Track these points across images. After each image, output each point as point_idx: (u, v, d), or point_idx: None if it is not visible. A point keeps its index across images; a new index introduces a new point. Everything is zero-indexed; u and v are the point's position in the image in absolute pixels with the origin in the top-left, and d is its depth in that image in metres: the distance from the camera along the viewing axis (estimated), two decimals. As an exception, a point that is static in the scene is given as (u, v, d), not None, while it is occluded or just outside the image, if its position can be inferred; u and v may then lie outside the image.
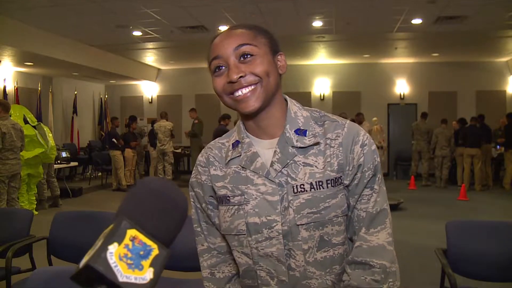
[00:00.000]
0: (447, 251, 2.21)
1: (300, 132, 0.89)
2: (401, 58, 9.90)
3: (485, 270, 2.15)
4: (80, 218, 2.67)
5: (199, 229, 1.00)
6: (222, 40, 0.88)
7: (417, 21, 6.43)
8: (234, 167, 0.92)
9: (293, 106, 0.93)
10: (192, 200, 1.00)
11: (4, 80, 8.30)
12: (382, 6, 5.71)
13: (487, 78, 9.79)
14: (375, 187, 0.88)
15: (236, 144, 0.94)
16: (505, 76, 9.83)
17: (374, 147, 0.89)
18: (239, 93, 0.86)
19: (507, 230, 2.24)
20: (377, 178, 0.88)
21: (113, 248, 0.43)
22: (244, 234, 0.88)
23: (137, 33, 7.15)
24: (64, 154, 7.46)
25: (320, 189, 0.85)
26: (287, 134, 0.88)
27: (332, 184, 0.86)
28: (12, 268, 2.37)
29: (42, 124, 6.12)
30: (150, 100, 11.60)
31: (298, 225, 0.85)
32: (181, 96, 11.29)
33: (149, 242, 0.45)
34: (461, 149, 8.06)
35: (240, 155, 0.92)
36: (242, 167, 0.91)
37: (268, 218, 0.86)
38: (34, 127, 5.83)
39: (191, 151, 8.96)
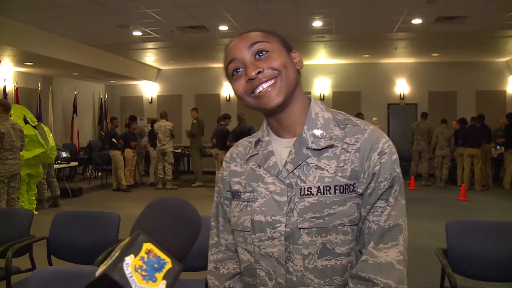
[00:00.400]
0: (447, 251, 2.22)
1: (317, 133, 0.88)
2: (401, 58, 9.90)
3: (485, 270, 2.15)
4: (80, 218, 2.67)
5: (214, 223, 1.02)
6: (235, 44, 0.89)
7: (417, 21, 6.43)
8: (251, 164, 0.94)
9: (316, 107, 0.92)
10: (215, 195, 1.02)
11: (4, 80, 8.31)
12: (382, 6, 5.71)
13: (487, 78, 9.79)
14: (390, 200, 0.83)
15: (257, 142, 0.96)
16: (505, 76, 9.83)
17: (395, 156, 0.85)
18: (260, 88, 0.85)
19: (507, 230, 2.24)
20: (393, 191, 0.83)
21: (129, 260, 0.45)
22: (249, 231, 0.88)
23: (137, 33, 7.15)
24: (64, 154, 7.47)
25: (326, 194, 0.83)
26: (304, 135, 0.88)
27: (341, 191, 0.83)
28: (12, 268, 2.37)
29: (42, 124, 6.12)
30: (150, 100, 11.61)
31: (299, 228, 0.83)
32: (181, 96, 11.29)
33: (163, 256, 0.48)
34: (461, 149, 8.06)
35: (258, 153, 0.93)
36: (258, 165, 0.92)
37: (273, 218, 0.85)
38: (34, 127, 5.83)
39: (191, 151, 8.96)
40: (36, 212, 5.51)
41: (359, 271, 0.81)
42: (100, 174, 9.66)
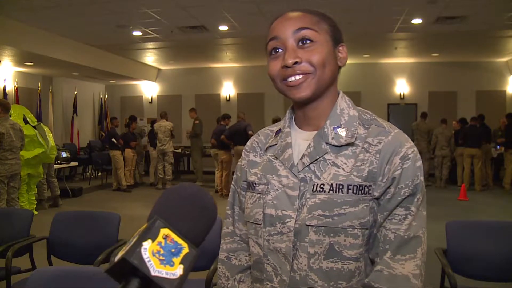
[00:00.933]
0: (447, 251, 2.22)
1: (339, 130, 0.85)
2: (401, 58, 9.90)
3: (485, 270, 2.15)
4: (80, 218, 2.67)
5: (229, 212, 1.01)
6: (282, 21, 0.86)
7: (417, 21, 6.43)
8: (269, 155, 0.92)
9: (342, 103, 0.90)
10: (233, 182, 1.02)
11: (4, 80, 8.30)
12: (382, 6, 5.71)
13: (487, 78, 9.79)
14: (412, 208, 0.78)
15: (278, 132, 0.94)
16: (505, 76, 9.82)
17: (419, 163, 0.80)
18: (292, 78, 0.83)
19: (507, 230, 2.24)
20: (415, 199, 0.79)
21: (147, 244, 0.46)
22: (260, 224, 0.87)
23: (137, 33, 7.14)
24: (64, 154, 7.46)
25: (339, 193, 0.79)
26: (325, 130, 0.85)
27: (354, 191, 0.79)
28: (12, 268, 2.36)
29: (42, 124, 6.11)
30: (150, 100, 11.60)
31: (307, 225, 0.80)
32: (181, 96, 11.28)
33: (180, 241, 0.48)
34: (461, 149, 8.06)
35: (277, 144, 0.91)
36: (275, 156, 0.90)
37: (284, 212, 0.83)
38: (34, 127, 5.83)
39: (191, 151, 8.96)
40: (36, 212, 5.51)
41: (372, 281, 0.77)
42: (100, 174, 9.66)
